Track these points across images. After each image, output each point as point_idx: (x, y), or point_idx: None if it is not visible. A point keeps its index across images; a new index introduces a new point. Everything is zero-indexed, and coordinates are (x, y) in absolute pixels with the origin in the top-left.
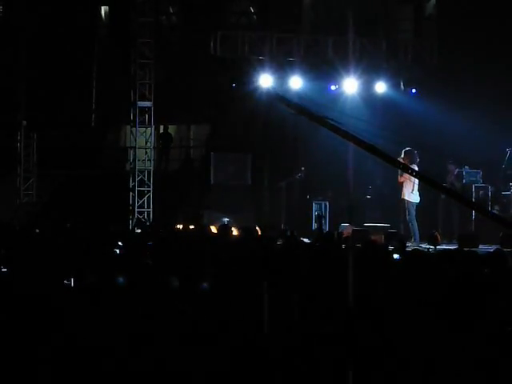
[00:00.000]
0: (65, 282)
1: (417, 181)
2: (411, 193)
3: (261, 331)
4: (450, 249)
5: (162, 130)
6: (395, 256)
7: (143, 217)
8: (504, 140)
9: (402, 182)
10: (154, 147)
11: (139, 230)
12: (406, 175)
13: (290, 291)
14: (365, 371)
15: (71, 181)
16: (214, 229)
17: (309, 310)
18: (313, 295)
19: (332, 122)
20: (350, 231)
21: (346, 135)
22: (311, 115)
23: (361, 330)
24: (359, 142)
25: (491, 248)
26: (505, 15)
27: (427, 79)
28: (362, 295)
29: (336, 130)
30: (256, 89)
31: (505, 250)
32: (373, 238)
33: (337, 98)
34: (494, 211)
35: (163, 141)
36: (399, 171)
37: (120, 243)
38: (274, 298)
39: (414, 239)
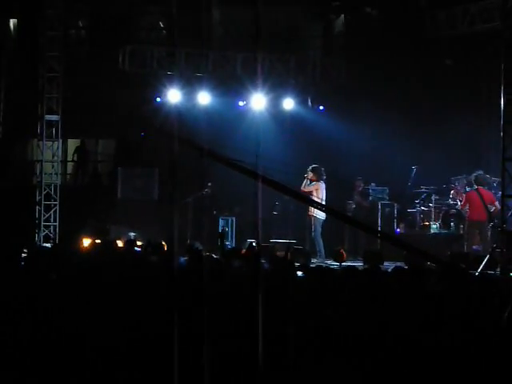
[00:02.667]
0: None
1: (324, 197)
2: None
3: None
4: (354, 265)
5: (78, 144)
6: (299, 273)
7: (49, 231)
8: (410, 158)
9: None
10: (61, 161)
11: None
12: (313, 190)
13: (198, 306)
14: None
15: None
16: (120, 243)
17: (217, 326)
18: (219, 310)
19: (242, 164)
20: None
21: (256, 177)
22: (218, 157)
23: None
24: (271, 184)
25: (395, 265)
26: (411, 34)
27: (335, 96)
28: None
29: (247, 172)
30: (164, 108)
31: (405, 267)
32: (278, 253)
33: (245, 113)
34: (400, 229)
35: (79, 154)
36: (303, 183)
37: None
38: (182, 313)
39: (319, 256)
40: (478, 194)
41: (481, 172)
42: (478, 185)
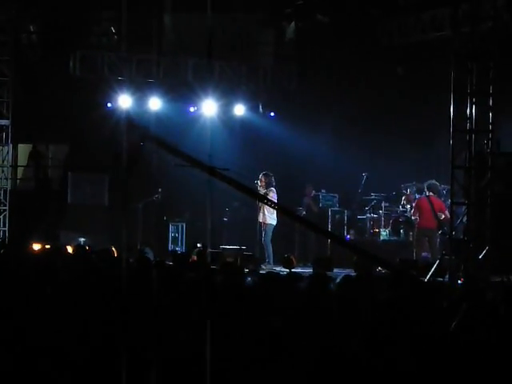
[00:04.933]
0: None
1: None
2: (270, 215)
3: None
4: (304, 272)
5: (30, 149)
6: (248, 279)
7: None
8: (360, 165)
9: (260, 204)
10: (11, 166)
11: None
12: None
13: (145, 313)
14: None
15: None
16: (70, 249)
17: (167, 334)
18: (169, 317)
19: (219, 171)
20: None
21: (232, 183)
22: (193, 162)
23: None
24: (226, 180)
25: (345, 272)
26: (362, 42)
27: (286, 103)
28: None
29: (223, 178)
30: (117, 111)
31: (354, 274)
32: (228, 260)
33: (196, 119)
34: (350, 235)
35: (33, 159)
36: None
37: None
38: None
39: (269, 262)
40: (429, 202)
41: (433, 181)
42: (430, 192)
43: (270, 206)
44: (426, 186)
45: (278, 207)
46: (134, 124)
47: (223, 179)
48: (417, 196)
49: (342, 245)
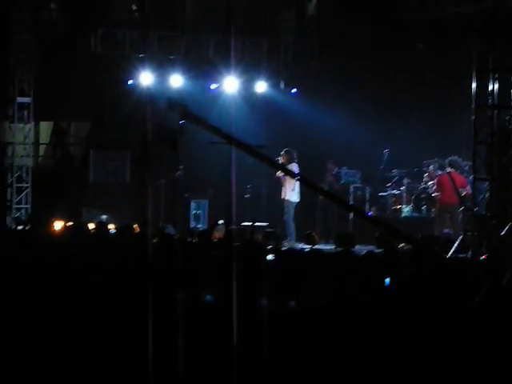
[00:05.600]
0: None
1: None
2: (292, 191)
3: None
4: (326, 248)
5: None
6: (269, 256)
7: (21, 213)
8: (382, 141)
9: (282, 182)
10: (33, 143)
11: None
12: (286, 177)
13: (171, 290)
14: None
15: None
16: (92, 226)
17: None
18: (194, 293)
19: (255, 148)
20: (223, 232)
21: (231, 141)
22: (230, 139)
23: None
24: (245, 148)
25: (367, 248)
26: (383, 17)
27: (308, 79)
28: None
29: (258, 156)
30: (138, 88)
31: (378, 250)
32: (250, 237)
33: (217, 96)
34: (372, 212)
35: (57, 136)
36: (278, 174)
37: None
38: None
39: (290, 239)
40: (450, 178)
41: (455, 157)
42: (451, 168)
43: (290, 176)
44: (447, 162)
45: (303, 179)
46: (174, 102)
47: (259, 157)
48: (439, 172)
49: (365, 219)
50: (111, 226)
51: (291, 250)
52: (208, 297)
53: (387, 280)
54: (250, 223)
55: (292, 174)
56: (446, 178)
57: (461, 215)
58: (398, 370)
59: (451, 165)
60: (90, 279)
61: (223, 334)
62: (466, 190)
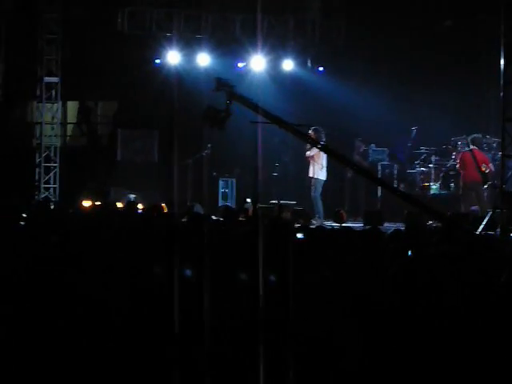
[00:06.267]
0: None
1: (325, 158)
2: (319, 170)
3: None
4: (354, 226)
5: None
6: (299, 235)
7: (49, 193)
8: (410, 119)
9: (310, 160)
10: (61, 123)
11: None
12: (315, 152)
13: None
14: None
15: None
16: (120, 205)
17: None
18: (221, 273)
19: (297, 128)
20: (251, 210)
21: (257, 110)
22: (274, 119)
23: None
24: (271, 118)
25: (396, 226)
26: None
27: (335, 58)
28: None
29: (248, 104)
30: (165, 67)
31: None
32: (278, 214)
33: (244, 75)
34: (400, 189)
35: (82, 114)
36: (307, 147)
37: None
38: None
39: (319, 217)
40: (472, 155)
41: (478, 134)
42: (474, 145)
43: (318, 148)
44: (469, 139)
45: (332, 152)
46: (223, 82)
47: (302, 136)
48: (464, 150)
49: (396, 194)
50: (139, 206)
51: (320, 228)
52: (243, 275)
53: (409, 252)
54: (276, 201)
55: (332, 153)
56: (468, 156)
57: (486, 192)
58: (423, 350)
59: (474, 142)
60: (116, 258)
61: (250, 309)
62: (488, 167)
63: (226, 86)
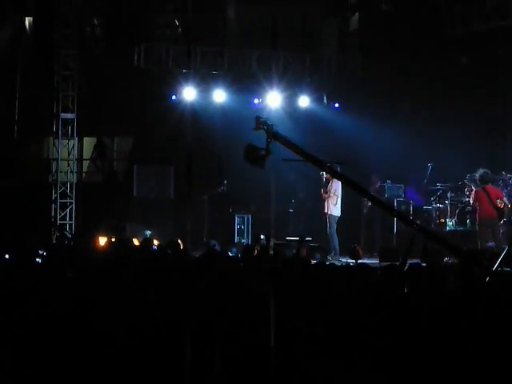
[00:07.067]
0: None
1: (340, 194)
2: (334, 206)
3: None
4: (370, 262)
5: (95, 142)
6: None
7: (65, 229)
8: (426, 155)
9: (325, 197)
10: (77, 159)
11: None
12: (330, 191)
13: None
14: None
15: None
16: (136, 241)
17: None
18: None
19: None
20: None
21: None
22: (310, 158)
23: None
24: (288, 145)
25: (412, 262)
26: (426, 31)
27: (350, 94)
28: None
29: (337, 175)
30: (182, 103)
31: (422, 264)
32: (294, 251)
33: (260, 111)
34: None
35: (98, 152)
36: (322, 189)
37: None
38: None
39: (334, 253)
40: (485, 192)
41: (485, 170)
42: (483, 183)
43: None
44: (477, 177)
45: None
46: (263, 122)
47: (337, 176)
48: (473, 187)
49: (414, 228)
50: (155, 242)
51: (339, 266)
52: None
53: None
54: (296, 238)
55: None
56: (481, 193)
57: (502, 229)
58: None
59: (484, 179)
60: (135, 291)
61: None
62: (503, 201)
63: (266, 125)
